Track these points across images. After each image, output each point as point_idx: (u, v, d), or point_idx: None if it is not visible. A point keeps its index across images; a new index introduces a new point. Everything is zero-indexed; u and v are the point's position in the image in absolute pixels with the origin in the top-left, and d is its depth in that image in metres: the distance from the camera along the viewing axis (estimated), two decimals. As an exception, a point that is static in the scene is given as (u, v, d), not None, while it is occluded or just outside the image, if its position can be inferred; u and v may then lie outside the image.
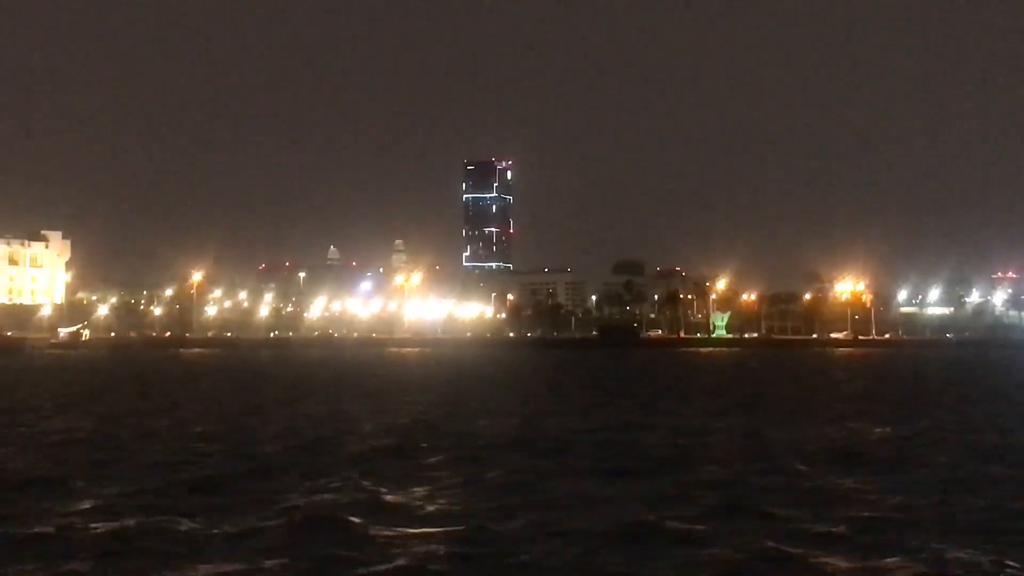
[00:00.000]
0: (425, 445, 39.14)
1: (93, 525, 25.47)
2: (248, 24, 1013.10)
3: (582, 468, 33.89)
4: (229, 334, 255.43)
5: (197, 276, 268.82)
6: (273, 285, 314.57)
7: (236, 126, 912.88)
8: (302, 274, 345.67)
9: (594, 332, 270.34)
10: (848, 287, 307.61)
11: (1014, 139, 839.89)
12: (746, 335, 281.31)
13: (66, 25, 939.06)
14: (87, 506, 27.55)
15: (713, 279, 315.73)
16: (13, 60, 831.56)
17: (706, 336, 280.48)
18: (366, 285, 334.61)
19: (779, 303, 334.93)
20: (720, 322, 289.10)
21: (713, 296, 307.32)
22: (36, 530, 25.34)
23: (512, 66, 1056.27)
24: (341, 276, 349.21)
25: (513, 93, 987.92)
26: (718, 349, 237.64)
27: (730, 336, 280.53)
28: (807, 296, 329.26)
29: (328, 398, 70.23)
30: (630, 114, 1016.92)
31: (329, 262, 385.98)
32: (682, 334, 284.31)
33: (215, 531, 24.49)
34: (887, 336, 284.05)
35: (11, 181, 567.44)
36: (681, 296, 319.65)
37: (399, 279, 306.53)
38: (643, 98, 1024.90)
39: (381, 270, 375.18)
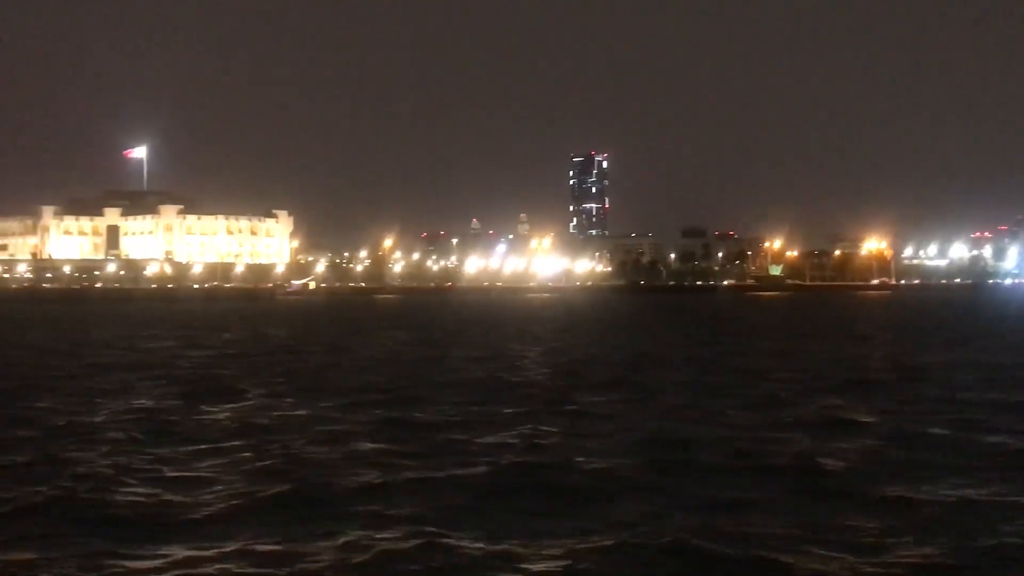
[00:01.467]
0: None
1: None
2: (411, 32, 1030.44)
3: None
4: (416, 284, 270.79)
5: (387, 243, 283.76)
6: (431, 248, 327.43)
7: (407, 119, 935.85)
8: (454, 240, 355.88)
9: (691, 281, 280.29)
10: (873, 245, 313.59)
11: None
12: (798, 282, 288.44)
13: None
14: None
15: (762, 240, 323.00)
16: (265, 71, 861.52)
17: (756, 283, 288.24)
18: (501, 248, 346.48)
19: (814, 258, 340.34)
20: (775, 272, 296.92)
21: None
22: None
23: (607, 77, 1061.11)
24: (482, 241, 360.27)
25: (607, 100, 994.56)
26: (776, 293, 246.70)
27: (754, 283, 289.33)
28: (837, 252, 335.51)
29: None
30: (688, 112, 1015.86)
31: (472, 231, 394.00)
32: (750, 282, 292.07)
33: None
34: (903, 282, 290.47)
35: (250, 171, 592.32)
36: (743, 253, 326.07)
37: (533, 243, 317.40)
38: (697, 98, 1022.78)
39: (511, 237, 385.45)
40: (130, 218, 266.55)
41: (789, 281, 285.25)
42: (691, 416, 25.25)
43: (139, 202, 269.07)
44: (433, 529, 14.07)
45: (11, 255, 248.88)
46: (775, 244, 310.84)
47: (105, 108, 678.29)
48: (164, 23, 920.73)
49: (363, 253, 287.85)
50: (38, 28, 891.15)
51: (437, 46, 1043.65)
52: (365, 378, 35.70)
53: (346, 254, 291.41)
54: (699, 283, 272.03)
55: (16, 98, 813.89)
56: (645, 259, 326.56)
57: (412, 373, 38.10)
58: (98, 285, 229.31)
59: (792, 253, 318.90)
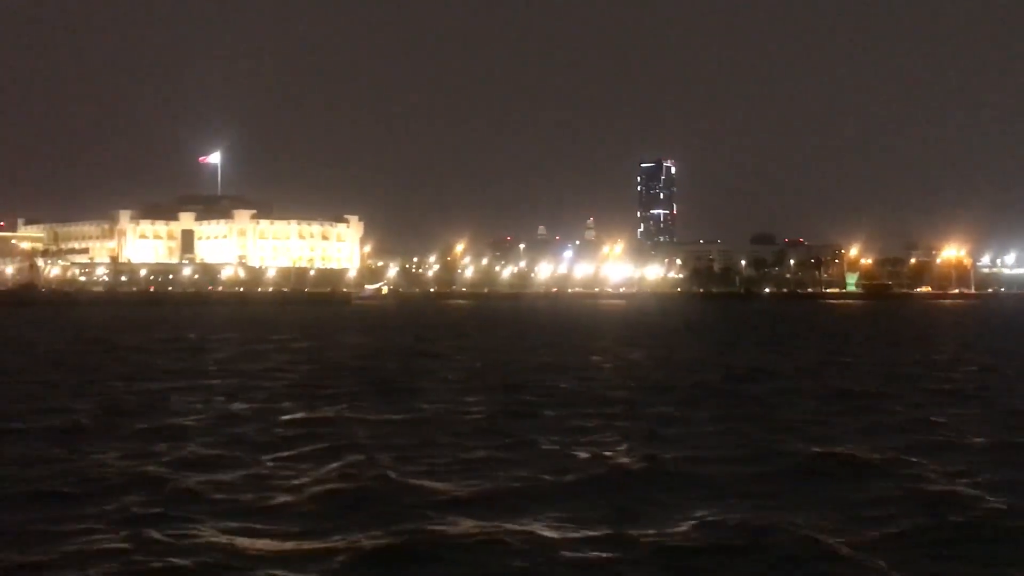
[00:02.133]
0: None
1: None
2: (480, 36, 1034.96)
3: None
4: (486, 289, 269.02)
5: (458, 248, 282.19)
6: (498, 254, 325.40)
7: (477, 125, 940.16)
8: (522, 246, 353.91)
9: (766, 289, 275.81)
10: (950, 253, 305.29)
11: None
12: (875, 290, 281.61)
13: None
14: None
15: (834, 247, 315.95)
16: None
17: (840, 291, 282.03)
18: (568, 254, 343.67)
19: (887, 265, 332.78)
20: (851, 280, 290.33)
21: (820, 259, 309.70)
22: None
23: (675, 83, 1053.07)
24: (549, 247, 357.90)
25: (676, 106, 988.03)
26: (852, 301, 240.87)
27: (859, 291, 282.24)
28: (912, 260, 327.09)
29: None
30: (757, 118, 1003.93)
31: (539, 236, 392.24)
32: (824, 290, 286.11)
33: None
34: (989, 291, 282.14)
35: (321, 176, 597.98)
36: (817, 261, 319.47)
37: (604, 248, 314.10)
38: (766, 105, 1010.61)
39: (577, 243, 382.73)
40: (204, 223, 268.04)
41: (856, 291, 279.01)
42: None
43: (213, 207, 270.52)
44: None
45: (91, 258, 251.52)
46: (851, 251, 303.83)
47: (181, 114, 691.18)
48: (239, 31, 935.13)
49: (432, 258, 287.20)
50: (117, 37, 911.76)
51: (507, 53, 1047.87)
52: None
53: (415, 259, 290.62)
54: (784, 290, 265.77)
55: (95, 105, 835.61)
56: (716, 266, 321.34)
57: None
58: (169, 288, 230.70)
59: (866, 261, 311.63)
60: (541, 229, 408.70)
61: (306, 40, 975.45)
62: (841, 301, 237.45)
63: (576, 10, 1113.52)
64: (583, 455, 20.37)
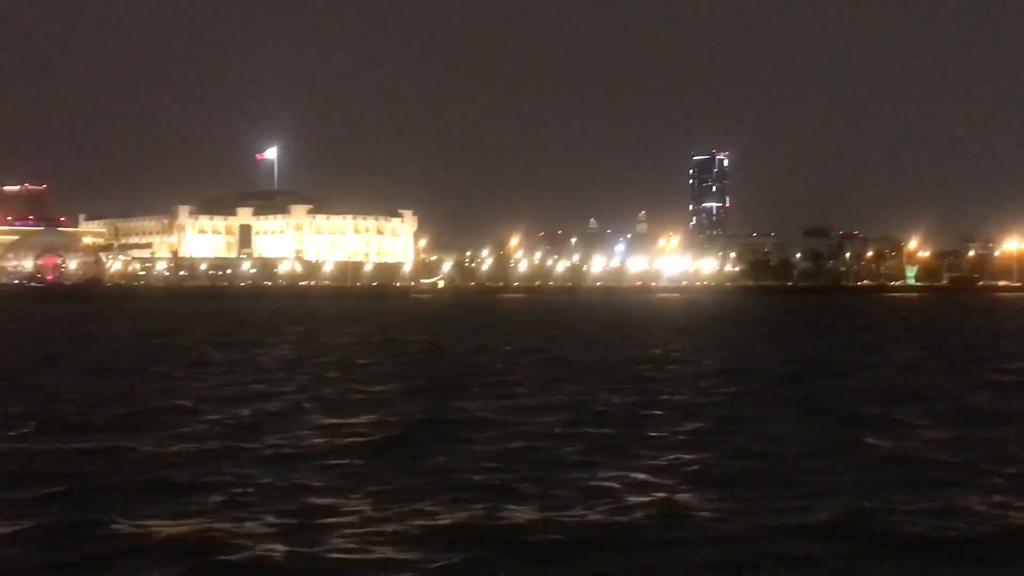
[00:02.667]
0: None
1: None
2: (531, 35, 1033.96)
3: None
4: (538, 283, 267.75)
5: (513, 242, 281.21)
6: (549, 248, 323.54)
7: (527, 120, 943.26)
8: (573, 239, 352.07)
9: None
10: (1011, 245, 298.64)
11: None
12: (933, 284, 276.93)
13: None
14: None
15: (891, 239, 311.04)
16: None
17: (901, 284, 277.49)
18: (620, 247, 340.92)
19: (945, 258, 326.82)
20: (910, 273, 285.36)
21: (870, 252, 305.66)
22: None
23: (727, 75, 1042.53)
24: (600, 240, 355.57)
25: (729, 99, 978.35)
26: (912, 295, 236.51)
27: (919, 284, 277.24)
28: (971, 253, 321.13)
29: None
30: (809, 110, 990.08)
31: (590, 230, 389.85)
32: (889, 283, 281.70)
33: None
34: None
35: (376, 171, 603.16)
36: (877, 254, 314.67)
37: (660, 241, 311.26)
38: (818, 97, 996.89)
39: (629, 236, 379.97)
40: (261, 218, 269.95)
41: (916, 284, 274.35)
42: None
43: (270, 202, 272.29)
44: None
45: (152, 253, 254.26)
46: (910, 244, 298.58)
47: (238, 111, 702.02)
48: (296, 28, 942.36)
49: (485, 253, 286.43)
50: (177, 36, 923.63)
51: (557, 48, 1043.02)
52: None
53: (468, 254, 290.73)
54: (845, 284, 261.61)
55: (153, 103, 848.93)
56: (772, 259, 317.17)
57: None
58: (224, 284, 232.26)
59: (924, 254, 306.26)
60: (592, 222, 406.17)
61: (360, 36, 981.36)
62: (903, 295, 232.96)
63: (626, 3, 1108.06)
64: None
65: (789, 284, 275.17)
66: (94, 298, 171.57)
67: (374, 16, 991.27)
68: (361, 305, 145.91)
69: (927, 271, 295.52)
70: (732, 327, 78.82)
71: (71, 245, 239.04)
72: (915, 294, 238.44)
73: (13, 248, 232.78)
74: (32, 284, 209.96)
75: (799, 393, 29.38)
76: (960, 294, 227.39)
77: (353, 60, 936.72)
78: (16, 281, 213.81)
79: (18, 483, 16.42)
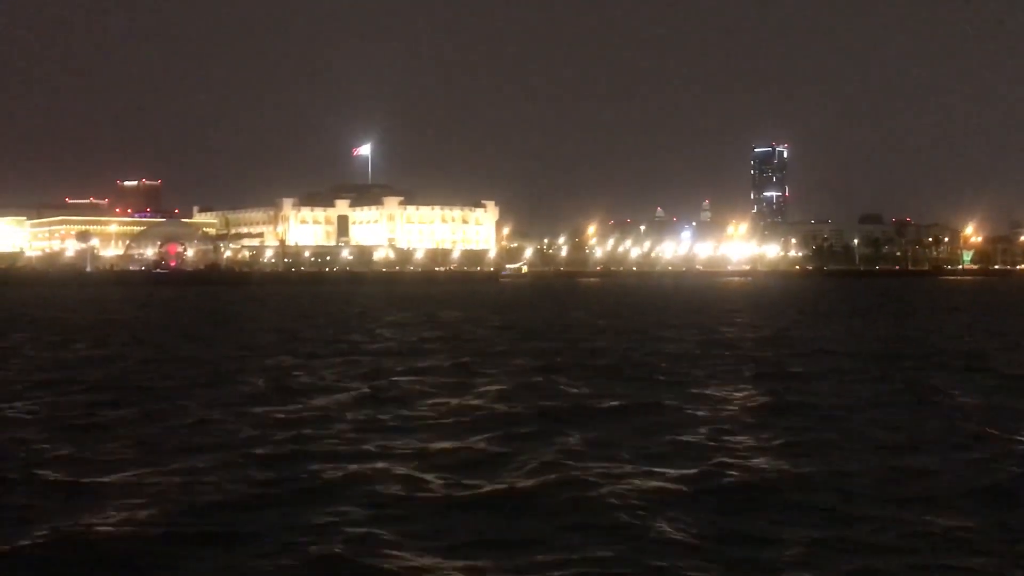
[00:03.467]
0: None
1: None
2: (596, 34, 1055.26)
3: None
4: (613, 268, 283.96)
5: (590, 230, 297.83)
6: (620, 235, 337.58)
7: (599, 118, 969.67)
8: (642, 227, 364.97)
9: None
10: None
11: None
12: (988, 267, 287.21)
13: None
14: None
15: (943, 226, 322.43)
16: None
17: (960, 268, 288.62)
18: (686, 234, 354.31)
19: (998, 243, 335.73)
20: (967, 257, 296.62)
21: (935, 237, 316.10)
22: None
23: (787, 70, 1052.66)
24: (667, 228, 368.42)
25: (787, 96, 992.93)
26: (968, 278, 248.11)
27: (975, 267, 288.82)
28: (1021, 238, 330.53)
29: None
30: (861, 106, 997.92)
31: (657, 218, 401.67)
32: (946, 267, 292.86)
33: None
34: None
35: (460, 164, 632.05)
36: (936, 240, 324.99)
37: (729, 228, 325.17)
38: (872, 89, 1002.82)
39: (694, 223, 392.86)
40: (357, 209, 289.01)
41: (973, 267, 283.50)
42: None
43: (365, 194, 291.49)
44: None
45: (261, 242, 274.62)
46: (966, 230, 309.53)
47: (335, 110, 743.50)
48: (384, 33, 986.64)
49: (561, 240, 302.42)
50: (280, 42, 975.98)
51: (625, 52, 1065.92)
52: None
53: (545, 241, 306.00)
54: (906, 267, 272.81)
55: (258, 101, 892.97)
56: (832, 245, 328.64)
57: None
58: (325, 269, 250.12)
59: (976, 239, 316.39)
60: (659, 211, 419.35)
61: (445, 39, 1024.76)
62: (962, 278, 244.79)
63: (689, 9, 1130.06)
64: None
65: (856, 268, 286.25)
66: (213, 283, 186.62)
67: (458, 22, 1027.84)
68: (465, 288, 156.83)
69: (981, 255, 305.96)
70: (842, 310, 77.77)
71: (190, 235, 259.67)
72: (970, 277, 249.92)
73: (138, 238, 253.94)
74: (157, 271, 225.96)
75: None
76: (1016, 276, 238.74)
77: (439, 62, 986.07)
78: (143, 268, 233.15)
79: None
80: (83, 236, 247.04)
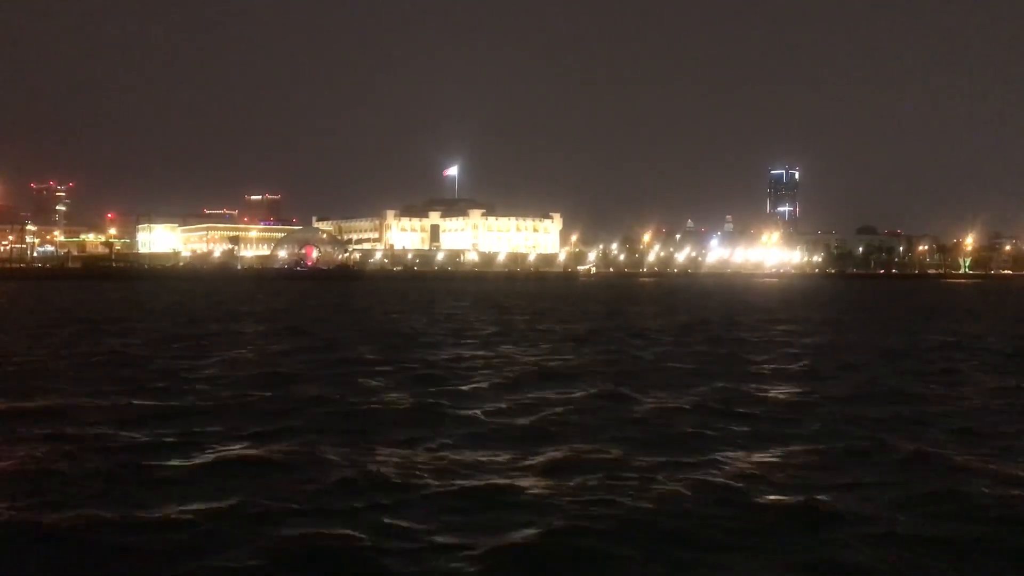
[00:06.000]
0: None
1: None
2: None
3: None
4: (673, 269, 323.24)
5: (645, 237, 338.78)
6: (662, 241, 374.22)
7: (640, 140, 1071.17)
8: (677, 236, 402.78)
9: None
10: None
11: None
12: (986, 272, 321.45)
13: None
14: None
15: (933, 236, 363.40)
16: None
17: (956, 272, 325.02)
18: (714, 243, 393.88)
19: (989, 251, 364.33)
20: (965, 264, 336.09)
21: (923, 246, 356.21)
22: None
23: (799, 98, 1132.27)
24: (696, 237, 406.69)
25: (801, 121, 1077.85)
26: (969, 281, 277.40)
27: (972, 272, 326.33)
28: (1007, 246, 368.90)
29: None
30: (862, 136, 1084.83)
31: (687, 228, 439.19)
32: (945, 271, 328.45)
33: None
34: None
35: (531, 180, 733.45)
36: (941, 247, 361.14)
37: (764, 237, 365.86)
38: (879, 118, 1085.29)
39: (719, 233, 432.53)
40: (447, 219, 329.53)
41: (969, 272, 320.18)
42: None
43: (453, 207, 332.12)
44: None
45: (373, 247, 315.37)
46: (961, 239, 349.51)
47: (426, 133, 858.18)
48: (468, 62, 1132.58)
49: (614, 246, 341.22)
50: (381, 74, 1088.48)
51: (668, 86, 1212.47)
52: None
53: (600, 246, 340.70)
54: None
55: (365, 127, 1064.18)
56: (838, 252, 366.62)
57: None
58: (424, 269, 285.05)
59: (968, 248, 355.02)
60: (689, 222, 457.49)
61: (518, 74, 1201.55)
62: (963, 281, 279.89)
63: (713, 48, 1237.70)
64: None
65: (874, 272, 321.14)
66: (344, 278, 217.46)
67: (523, 60, 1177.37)
68: (556, 285, 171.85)
69: (977, 262, 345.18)
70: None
71: (320, 240, 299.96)
72: (968, 281, 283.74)
73: (280, 242, 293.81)
74: (297, 268, 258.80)
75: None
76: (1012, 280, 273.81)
77: (513, 94, 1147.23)
78: (285, 266, 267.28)
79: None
80: (234, 240, 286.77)
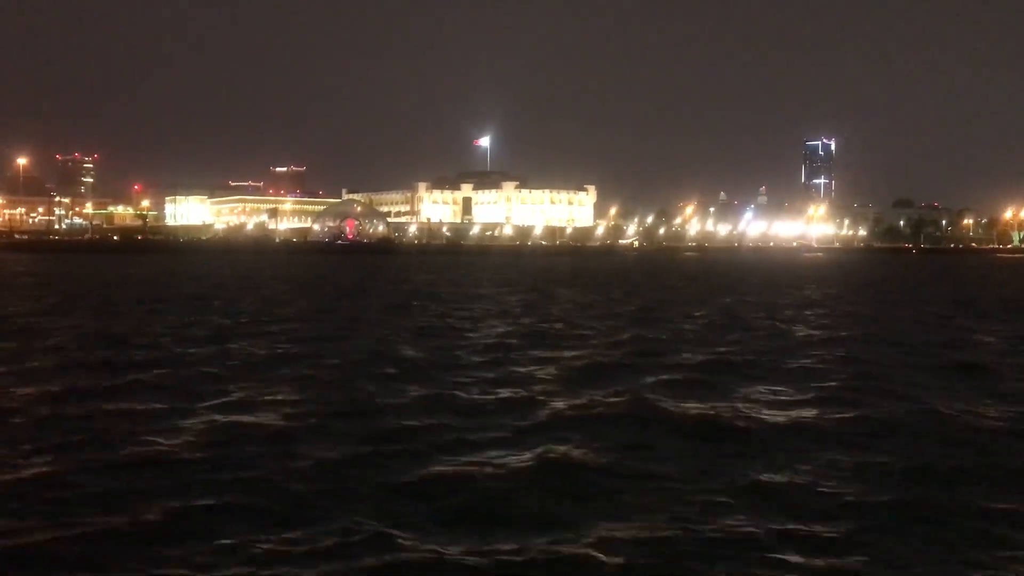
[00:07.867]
0: None
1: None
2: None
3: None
4: (707, 244, 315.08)
5: (688, 210, 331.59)
6: (701, 215, 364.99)
7: (675, 120, 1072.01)
8: (711, 208, 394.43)
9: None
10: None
11: None
12: None
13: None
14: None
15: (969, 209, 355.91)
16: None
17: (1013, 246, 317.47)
18: (748, 215, 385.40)
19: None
20: (1016, 237, 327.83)
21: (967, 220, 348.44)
22: None
23: (839, 69, 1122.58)
24: (730, 209, 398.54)
25: (838, 92, 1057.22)
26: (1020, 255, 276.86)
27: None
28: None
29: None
30: (898, 108, 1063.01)
31: (721, 201, 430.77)
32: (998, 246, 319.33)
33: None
34: None
35: (566, 152, 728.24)
36: (991, 221, 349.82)
37: (809, 210, 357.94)
38: (915, 91, 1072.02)
39: (752, 206, 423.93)
40: (479, 192, 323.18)
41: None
42: None
43: (485, 179, 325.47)
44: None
45: (409, 220, 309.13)
46: (1005, 213, 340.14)
47: (459, 105, 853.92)
48: (505, 40, 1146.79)
49: (649, 219, 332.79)
50: (407, 49, 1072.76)
51: (695, 60, 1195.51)
52: None
53: (636, 219, 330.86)
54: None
55: (393, 98, 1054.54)
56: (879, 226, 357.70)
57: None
58: (457, 242, 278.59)
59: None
60: (722, 194, 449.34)
61: (549, 44, 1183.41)
62: (1012, 256, 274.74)
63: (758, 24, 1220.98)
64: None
65: (922, 246, 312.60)
66: (385, 252, 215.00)
67: (555, 30, 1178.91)
68: (597, 262, 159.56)
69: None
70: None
71: (358, 214, 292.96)
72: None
73: (320, 215, 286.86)
74: (338, 242, 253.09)
75: None
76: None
77: (544, 64, 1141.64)
78: (327, 240, 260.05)
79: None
80: (272, 213, 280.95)
